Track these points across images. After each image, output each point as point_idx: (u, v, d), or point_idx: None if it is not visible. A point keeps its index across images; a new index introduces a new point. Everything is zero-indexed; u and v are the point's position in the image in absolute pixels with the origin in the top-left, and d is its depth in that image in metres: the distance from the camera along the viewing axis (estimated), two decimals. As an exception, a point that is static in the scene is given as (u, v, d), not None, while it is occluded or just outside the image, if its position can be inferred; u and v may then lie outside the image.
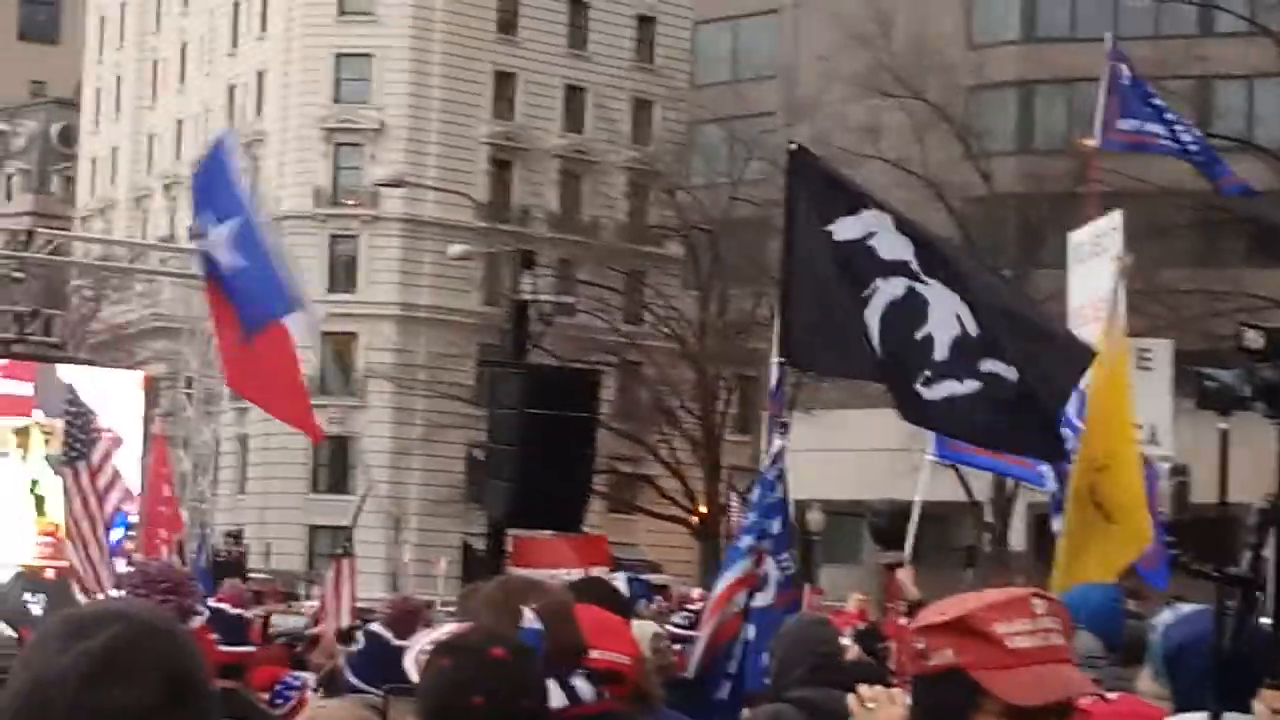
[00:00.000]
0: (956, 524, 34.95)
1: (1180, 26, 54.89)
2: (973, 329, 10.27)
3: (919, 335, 10.32)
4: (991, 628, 3.80)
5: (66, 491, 16.08)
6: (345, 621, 13.47)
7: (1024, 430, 10.99)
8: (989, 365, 10.25)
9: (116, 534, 18.25)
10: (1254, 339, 7.21)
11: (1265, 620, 7.15)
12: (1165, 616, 7.06)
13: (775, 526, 9.79)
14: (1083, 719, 4.58)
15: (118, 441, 16.89)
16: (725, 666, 9.28)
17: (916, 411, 10.78)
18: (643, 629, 8.27)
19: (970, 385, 10.31)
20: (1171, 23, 55.00)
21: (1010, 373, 10.26)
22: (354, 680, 7.19)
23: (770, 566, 9.59)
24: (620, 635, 6.49)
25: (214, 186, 13.05)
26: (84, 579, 15.27)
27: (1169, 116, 21.17)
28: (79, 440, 16.12)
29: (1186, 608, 7.42)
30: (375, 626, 7.96)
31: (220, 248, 12.64)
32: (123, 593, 9.59)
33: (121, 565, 16.29)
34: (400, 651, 5.96)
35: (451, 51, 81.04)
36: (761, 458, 10.73)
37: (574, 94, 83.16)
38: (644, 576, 17.58)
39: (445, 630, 5.49)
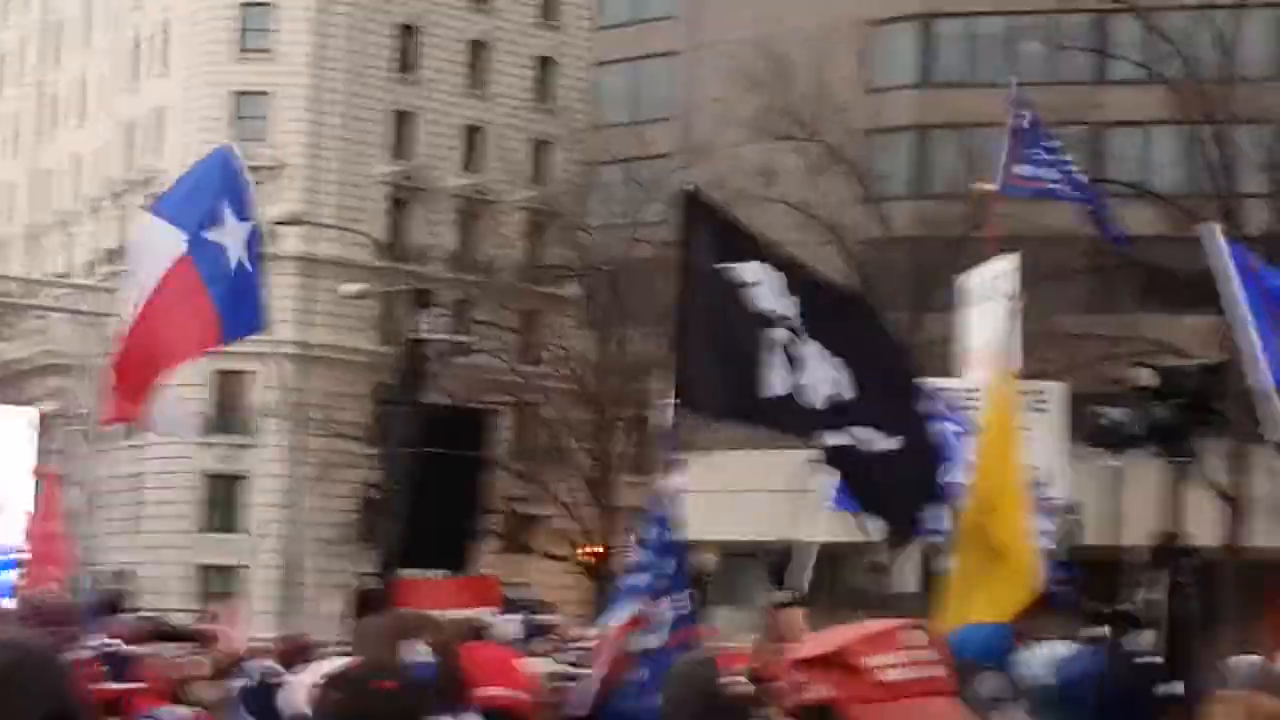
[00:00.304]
0: (850, 565, 35.11)
1: (1076, 74, 55.35)
2: (848, 394, 10.37)
3: (797, 384, 10.39)
4: (861, 661, 3.79)
5: None
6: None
7: (887, 499, 11.08)
8: (859, 432, 10.35)
9: (8, 575, 18.19)
10: (1148, 378, 7.31)
11: (1154, 658, 7.22)
12: (1041, 654, 7.13)
13: (669, 567, 9.78)
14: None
15: None
16: (617, 705, 9.25)
17: (816, 448, 10.86)
18: (535, 667, 8.26)
19: (841, 440, 10.42)
20: (1067, 70, 55.44)
21: (883, 440, 10.36)
22: (243, 714, 7.15)
23: (663, 607, 9.58)
24: (514, 673, 6.50)
25: (230, 185, 12.89)
26: None
27: (1065, 163, 21.35)
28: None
29: (1062, 645, 7.49)
30: (264, 662, 7.92)
31: (236, 243, 12.52)
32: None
33: (10, 602, 16.18)
34: (287, 686, 5.94)
35: (350, 90, 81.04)
36: (654, 497, 10.71)
37: (473, 134, 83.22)
38: (537, 615, 17.57)
39: (335, 664, 5.47)
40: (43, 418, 35.18)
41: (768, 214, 43.94)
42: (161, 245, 12.97)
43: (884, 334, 11.50)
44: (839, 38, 59.18)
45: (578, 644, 12.65)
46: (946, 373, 17.67)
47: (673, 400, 10.55)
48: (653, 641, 9.41)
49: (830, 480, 13.74)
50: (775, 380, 10.37)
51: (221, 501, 77.09)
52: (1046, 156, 20.64)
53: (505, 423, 48.95)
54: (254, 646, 15.64)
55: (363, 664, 5.08)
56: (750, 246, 10.88)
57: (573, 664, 10.85)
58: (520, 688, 6.26)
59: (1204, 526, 31.67)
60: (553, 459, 60.38)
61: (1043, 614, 10.79)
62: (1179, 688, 6.83)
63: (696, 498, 13.38)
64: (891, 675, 3.77)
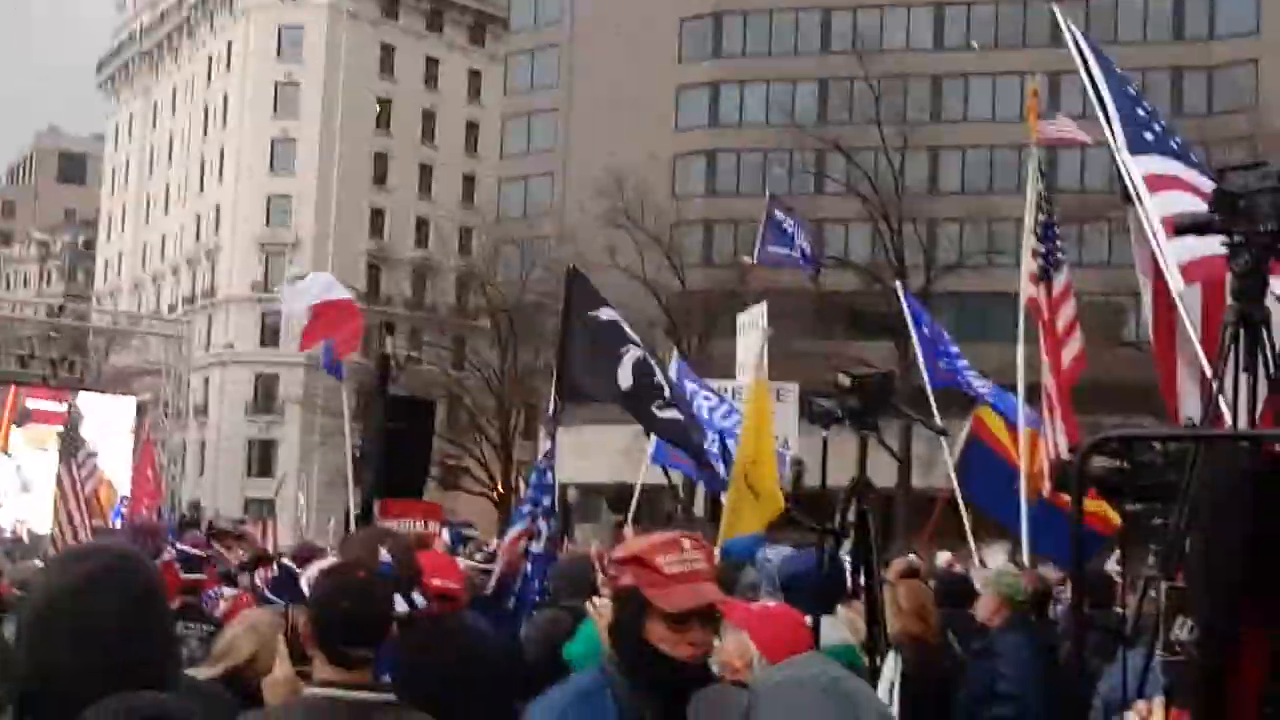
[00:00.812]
0: (661, 499, 35.20)
1: (804, 188, 55.86)
2: (669, 395, 10.64)
3: (652, 381, 10.60)
4: (652, 559, 3.78)
5: (59, 478, 15.84)
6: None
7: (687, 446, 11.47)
8: (670, 413, 10.62)
9: (121, 507, 18.00)
10: (845, 380, 7.35)
11: (845, 557, 7.28)
12: (778, 553, 7.16)
13: (546, 500, 9.78)
14: (733, 618, 4.61)
15: (91, 454, 16.63)
16: (511, 588, 9.23)
17: (650, 423, 11.13)
18: (461, 564, 8.19)
19: (671, 415, 10.62)
20: (799, 185, 55.98)
21: (682, 417, 10.69)
22: (269, 595, 7.02)
23: (542, 525, 9.58)
24: (449, 569, 6.45)
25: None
26: (63, 535, 14.95)
27: (798, 243, 21.43)
28: (68, 446, 16.07)
29: (791, 548, 7.55)
30: (284, 560, 7.78)
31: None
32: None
33: (119, 524, 15.94)
34: (299, 576, 5.86)
35: (343, 194, 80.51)
36: (538, 455, 10.72)
37: (422, 224, 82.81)
38: (462, 531, 17.45)
39: (328, 561, 5.42)
40: (140, 405, 34.65)
41: (611, 276, 43.96)
42: (310, 291, 14.49)
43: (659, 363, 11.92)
44: (657, 164, 59.55)
45: (488, 549, 12.59)
46: (728, 375, 17.72)
47: (553, 394, 10.63)
48: (535, 547, 9.42)
49: (651, 445, 13.77)
50: (624, 379, 10.51)
51: (259, 457, 76.26)
52: (787, 239, 20.68)
53: (443, 407, 48.79)
54: (280, 549, 15.49)
55: (346, 562, 5.03)
56: (603, 300, 11.07)
57: (485, 562, 10.76)
58: (453, 578, 6.20)
59: (882, 474, 32.06)
60: (472, 431, 60.15)
61: (781, 528, 10.89)
62: (864, 578, 6.91)
63: (565, 455, 13.36)
64: (672, 569, 3.76)
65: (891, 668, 7.15)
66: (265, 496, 70.49)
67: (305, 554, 9.56)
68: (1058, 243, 11.91)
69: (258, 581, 8.90)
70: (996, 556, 7.59)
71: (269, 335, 76.35)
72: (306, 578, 5.20)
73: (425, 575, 5.57)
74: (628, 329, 10.85)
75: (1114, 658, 5.72)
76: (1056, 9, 9.31)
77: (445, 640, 5.53)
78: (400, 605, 5.07)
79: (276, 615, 5.84)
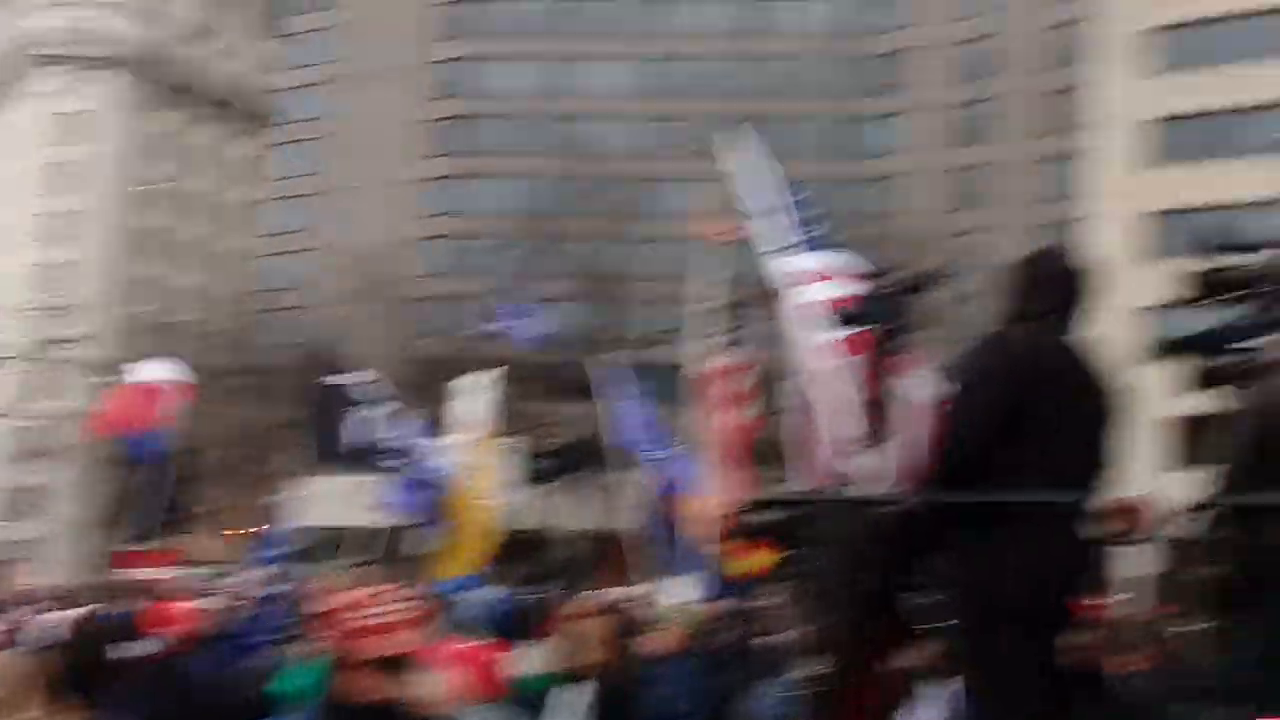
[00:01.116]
0: (382, 541, 34.73)
1: (531, 269, 56.21)
2: (398, 450, 10.61)
3: (382, 439, 10.55)
4: (356, 610, 3.66)
5: None
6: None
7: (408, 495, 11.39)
8: (393, 463, 10.57)
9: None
10: (558, 443, 7.43)
11: (547, 594, 7.25)
12: (486, 593, 7.09)
13: (282, 545, 9.56)
14: (436, 660, 4.50)
15: None
16: (246, 628, 8.93)
17: (375, 474, 11.04)
18: (209, 604, 7.85)
19: (394, 465, 10.57)
20: (526, 267, 56.31)
21: (408, 471, 10.64)
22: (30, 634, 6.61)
23: (277, 568, 9.34)
24: (178, 616, 6.19)
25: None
26: None
27: (522, 319, 21.43)
28: None
29: (498, 590, 7.50)
30: (44, 603, 7.34)
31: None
32: None
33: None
34: (27, 625, 5.55)
35: (117, 265, 77.68)
36: (279, 503, 10.46)
37: (193, 292, 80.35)
38: (211, 572, 16.72)
39: (73, 611, 5.15)
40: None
41: (357, 344, 43.51)
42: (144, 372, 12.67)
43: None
44: (400, 246, 60.01)
45: (234, 589, 12.09)
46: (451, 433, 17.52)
47: (292, 450, 10.48)
48: (270, 589, 9.15)
49: (376, 492, 13.46)
50: (347, 437, 10.40)
51: (19, 503, 72.61)
52: (512, 316, 20.66)
53: (210, 455, 47.14)
54: (36, 587, 14.60)
55: (87, 612, 4.78)
56: (343, 363, 10.99)
57: (230, 601, 10.39)
58: (178, 624, 5.94)
59: (584, 519, 32.07)
60: (231, 479, 58.21)
61: (497, 567, 10.83)
62: (552, 612, 6.87)
63: (302, 500, 13.05)
64: (372, 619, 3.64)
65: (584, 694, 7.13)
66: (29, 537, 66.77)
67: (57, 600, 9.05)
68: (740, 323, 12.32)
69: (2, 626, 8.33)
70: (676, 593, 7.66)
71: (38, 392, 72.76)
72: (43, 625, 4.92)
73: (153, 622, 5.33)
74: (365, 392, 10.70)
75: (767, 681, 5.85)
76: (732, 132, 9.57)
77: (168, 681, 5.28)
78: (128, 650, 4.83)
79: (17, 658, 5.49)
